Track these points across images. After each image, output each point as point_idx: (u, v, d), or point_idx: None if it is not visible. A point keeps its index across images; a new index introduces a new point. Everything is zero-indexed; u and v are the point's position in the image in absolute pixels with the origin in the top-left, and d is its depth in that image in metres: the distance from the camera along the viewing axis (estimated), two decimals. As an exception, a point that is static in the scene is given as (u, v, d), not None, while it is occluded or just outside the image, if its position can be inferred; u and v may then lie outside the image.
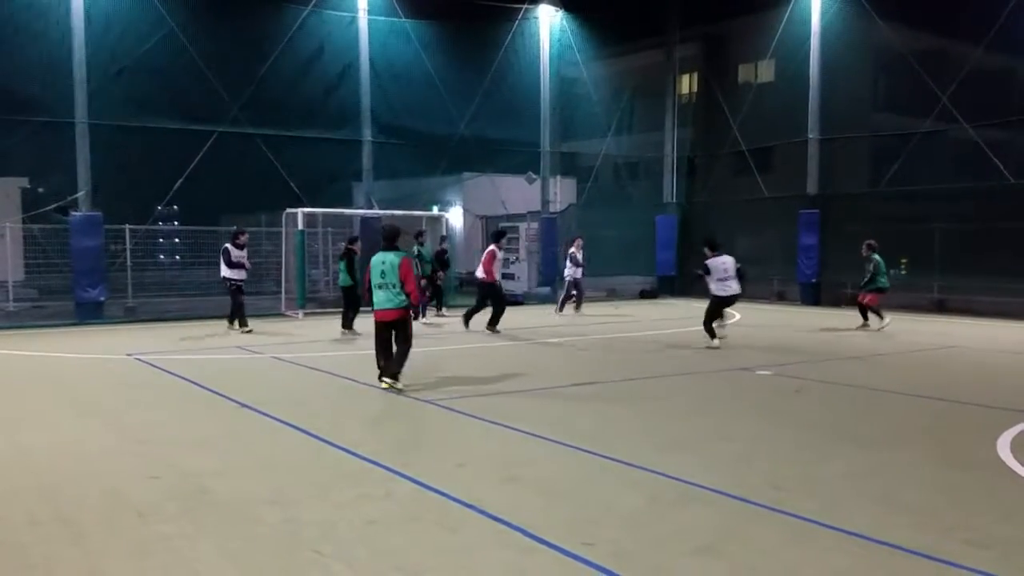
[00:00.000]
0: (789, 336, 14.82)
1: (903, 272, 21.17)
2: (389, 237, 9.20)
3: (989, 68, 20.36)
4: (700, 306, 13.88)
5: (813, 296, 21.62)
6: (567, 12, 23.40)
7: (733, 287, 12.88)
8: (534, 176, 23.48)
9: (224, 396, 8.86)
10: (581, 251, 19.00)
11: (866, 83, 23.92)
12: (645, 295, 24.53)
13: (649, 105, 26.28)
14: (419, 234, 17.49)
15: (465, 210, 25.02)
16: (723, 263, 12.94)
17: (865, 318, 15.68)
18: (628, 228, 25.05)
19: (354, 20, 20.39)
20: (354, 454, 6.45)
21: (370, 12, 20.57)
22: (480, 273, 15.04)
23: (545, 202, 23.62)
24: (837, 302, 20.88)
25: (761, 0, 23.03)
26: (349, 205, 21.48)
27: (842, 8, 21.30)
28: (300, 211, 18.35)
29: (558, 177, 24.62)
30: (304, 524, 4.90)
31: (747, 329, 15.87)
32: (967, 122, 19.21)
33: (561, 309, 19.05)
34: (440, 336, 14.63)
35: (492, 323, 14.76)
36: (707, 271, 13.02)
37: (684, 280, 23.97)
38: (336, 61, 20.27)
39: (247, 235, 15.51)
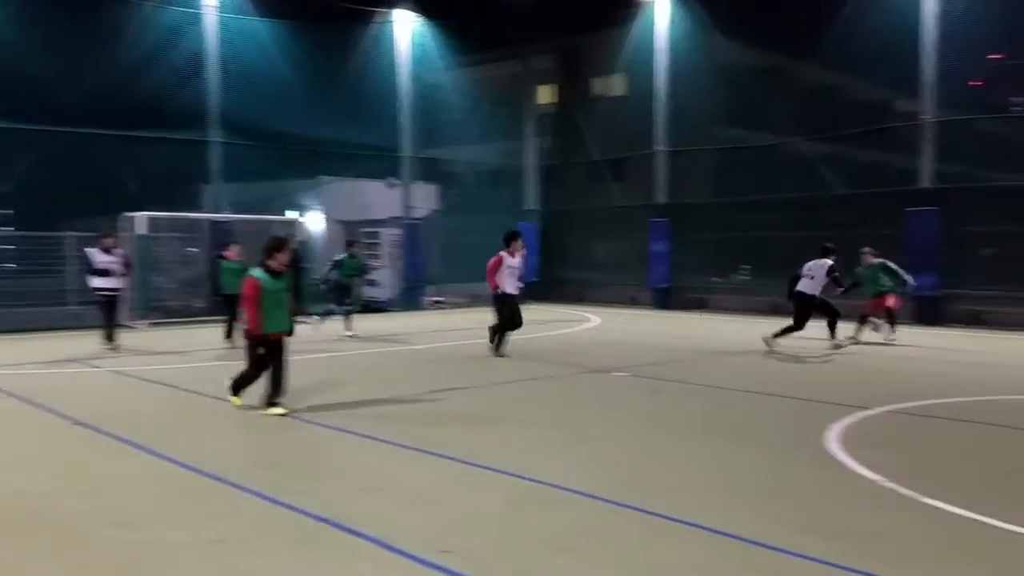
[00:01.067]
0: (643, 338, 15.37)
1: (745, 277, 22.51)
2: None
3: (819, 85, 21.99)
4: (566, 311, 14.15)
5: (664, 300, 22.56)
6: (426, 18, 23.39)
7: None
8: (395, 181, 23.31)
9: (57, 413, 8.25)
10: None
11: (710, 98, 25.25)
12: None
13: (509, 114, 26.69)
14: (351, 243, 16.42)
15: (324, 215, 24.48)
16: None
17: (890, 322, 14.52)
18: (491, 235, 25.11)
19: (201, 16, 19.56)
20: (198, 471, 6.14)
21: (220, 9, 19.80)
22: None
23: (407, 208, 23.47)
24: (686, 306, 21.92)
25: (611, 16, 23.86)
26: (197, 209, 20.53)
27: (686, 26, 22.40)
28: (142, 215, 17.37)
29: (420, 183, 24.54)
30: (145, 546, 4.62)
31: (604, 333, 16.35)
32: (799, 136, 20.63)
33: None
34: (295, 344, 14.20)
35: (495, 340, 12.65)
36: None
37: (545, 286, 24.49)
38: (182, 58, 19.37)
39: (114, 238, 13.95)
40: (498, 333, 12.59)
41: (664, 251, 22.52)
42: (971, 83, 20.44)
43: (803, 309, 13.01)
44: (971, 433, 7.62)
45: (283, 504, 5.31)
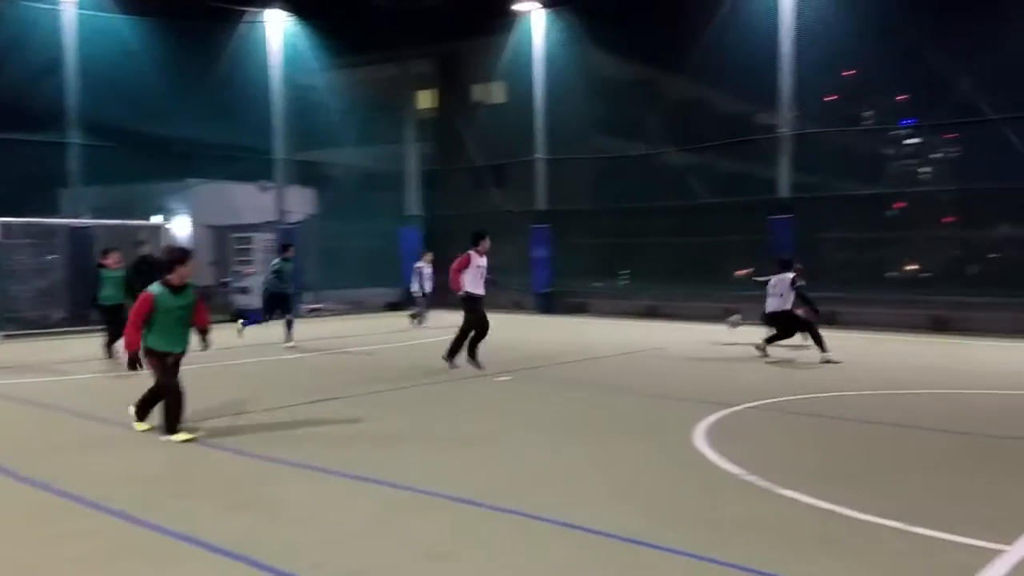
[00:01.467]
0: (526, 342, 15.55)
1: (624, 282, 23.20)
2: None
3: (688, 98, 22.92)
4: (451, 316, 14.14)
5: (547, 305, 22.91)
6: (299, 19, 22.88)
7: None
8: (268, 184, 22.67)
9: None
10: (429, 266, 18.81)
11: (586, 107, 25.87)
12: (392, 307, 24.56)
13: (389, 118, 26.45)
14: (285, 247, 15.54)
15: (192, 219, 23.51)
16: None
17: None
18: (371, 240, 24.94)
19: (59, 12, 18.47)
20: (52, 489, 5.79)
21: (79, 5, 18.76)
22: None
23: (282, 212, 22.87)
24: (568, 310, 22.35)
25: (489, 24, 24.09)
26: (55, 214, 19.33)
27: (561, 36, 22.88)
28: (-5, 221, 16.24)
29: (295, 186, 23.97)
30: (-14, 576, 4.32)
31: (487, 337, 16.42)
32: (670, 146, 21.45)
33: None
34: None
35: (456, 350, 11.74)
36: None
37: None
38: (37, 56, 18.20)
39: None
40: (465, 341, 11.67)
41: (545, 256, 22.88)
42: (825, 98, 21.77)
43: (785, 326, 12.85)
44: (823, 427, 8.10)
45: (144, 523, 5.07)
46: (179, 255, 7.54)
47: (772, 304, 12.89)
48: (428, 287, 19.15)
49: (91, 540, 4.83)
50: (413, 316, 19.28)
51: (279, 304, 14.88)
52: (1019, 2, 15.95)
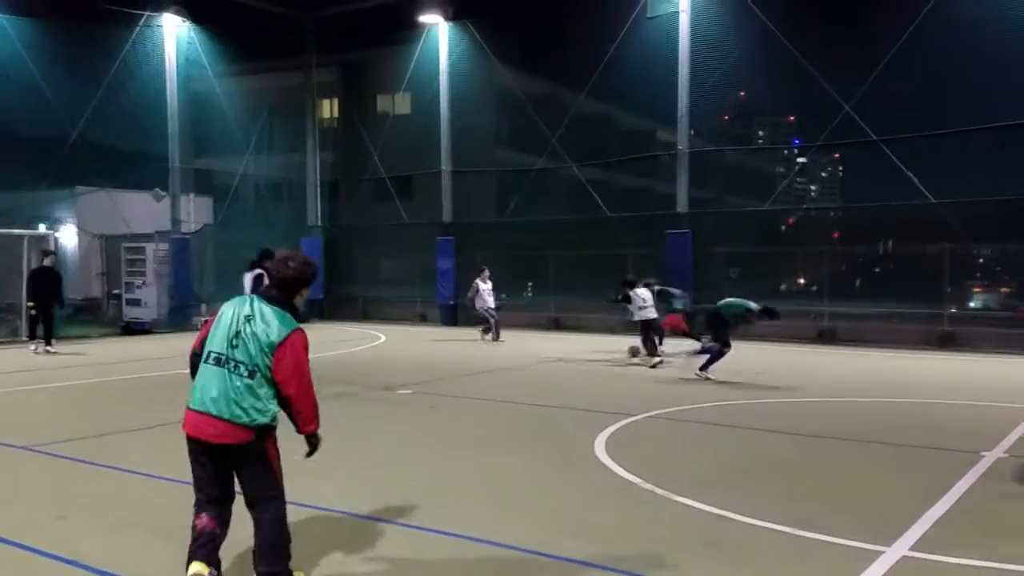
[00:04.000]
0: (429, 355, 15.48)
1: (528, 294, 23.38)
2: (294, 283, 4.29)
3: (589, 114, 23.38)
4: (353, 328, 13.91)
5: (451, 317, 22.85)
6: (195, 24, 22.18)
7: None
8: (162, 193, 21.84)
9: None
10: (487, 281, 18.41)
11: (491, 121, 26.06)
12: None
13: (290, 126, 25.97)
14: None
15: (79, 229, 22.43)
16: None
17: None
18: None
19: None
20: (-83, 517, 5.41)
21: (-42, 4, 17.75)
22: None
23: (176, 221, 22.05)
24: (473, 322, 22.32)
25: (394, 35, 23.99)
26: (-73, 221, 18.13)
27: (466, 50, 22.98)
28: None
29: (191, 195, 23.18)
30: None
31: (390, 350, 16.27)
32: (573, 161, 21.84)
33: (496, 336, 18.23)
34: (52, 369, 12.92)
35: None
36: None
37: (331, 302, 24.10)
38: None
39: None
40: None
41: (450, 268, 22.83)
42: (722, 117, 22.60)
43: (652, 331, 13.93)
44: (719, 435, 8.37)
45: (22, 546, 4.80)
46: (311, 271, 4.35)
47: (651, 313, 13.96)
48: (491, 302, 18.64)
49: (-41, 568, 4.54)
50: (485, 331, 18.67)
51: None
52: (896, 32, 16.97)
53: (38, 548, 4.78)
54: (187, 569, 4.03)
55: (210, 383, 4.04)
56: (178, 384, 11.74)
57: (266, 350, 4.03)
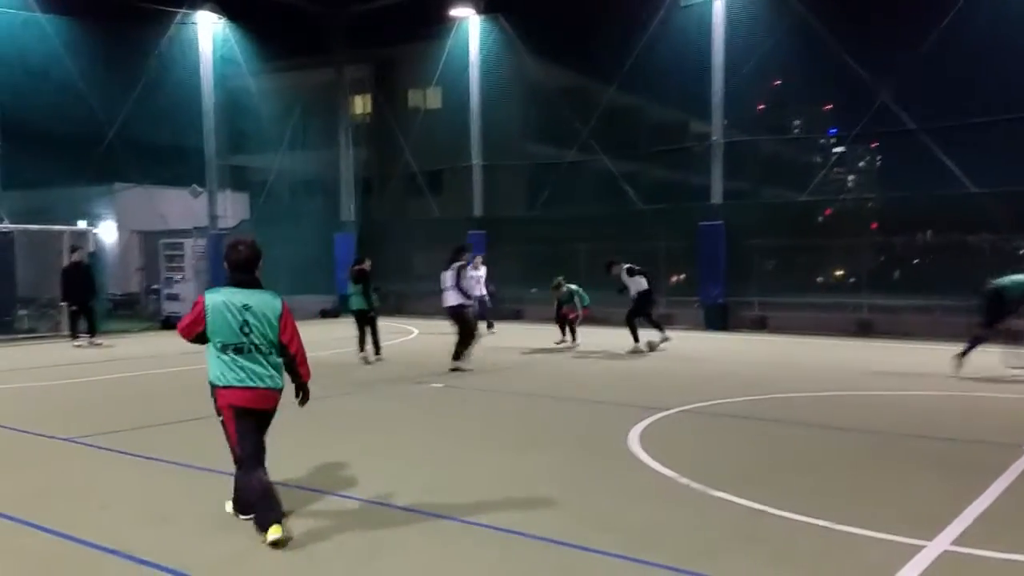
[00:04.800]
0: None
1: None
2: (246, 262, 5.14)
3: (621, 106, 23.24)
4: (386, 323, 14.00)
5: (481, 311, 22.84)
6: (230, 21, 22.45)
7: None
8: (199, 189, 22.15)
9: None
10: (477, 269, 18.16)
11: (521, 114, 26.02)
12: (326, 314, 24.23)
13: (323, 123, 26.18)
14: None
15: (118, 225, 22.84)
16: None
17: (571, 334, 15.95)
18: (305, 246, 24.60)
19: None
20: (-31, 507, 5.55)
21: (0, 4, 18.09)
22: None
23: (213, 217, 22.36)
24: (505, 316, 22.34)
25: (425, 29, 24.05)
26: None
27: (497, 44, 22.97)
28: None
29: (227, 191, 23.47)
30: None
31: (422, 344, 16.36)
32: (604, 154, 21.72)
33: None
34: (92, 363, 13.18)
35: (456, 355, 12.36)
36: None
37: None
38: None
39: None
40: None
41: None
42: (757, 107, 22.36)
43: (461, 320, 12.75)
44: (754, 429, 8.29)
45: (70, 537, 4.90)
46: (258, 247, 5.25)
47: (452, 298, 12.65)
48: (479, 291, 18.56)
49: (16, 559, 4.65)
50: (488, 324, 18.70)
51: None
52: (937, 16, 16.63)
53: (83, 538, 4.87)
54: (266, 530, 4.72)
55: (249, 366, 4.98)
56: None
57: (275, 324, 5.09)
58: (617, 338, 14.47)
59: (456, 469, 6.64)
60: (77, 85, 18.98)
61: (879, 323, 17.52)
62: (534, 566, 4.50)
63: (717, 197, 19.50)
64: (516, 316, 22.78)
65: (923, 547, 4.67)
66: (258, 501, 4.87)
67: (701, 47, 19.12)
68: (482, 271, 18.33)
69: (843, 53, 17.60)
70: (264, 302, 5.08)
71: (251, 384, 4.97)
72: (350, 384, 11.28)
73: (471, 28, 23.19)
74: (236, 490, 5.14)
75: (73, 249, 17.08)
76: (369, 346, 13.46)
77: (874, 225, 20.22)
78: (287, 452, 7.23)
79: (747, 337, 17.64)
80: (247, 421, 5.01)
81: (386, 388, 10.90)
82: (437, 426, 8.45)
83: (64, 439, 7.64)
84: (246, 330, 4.97)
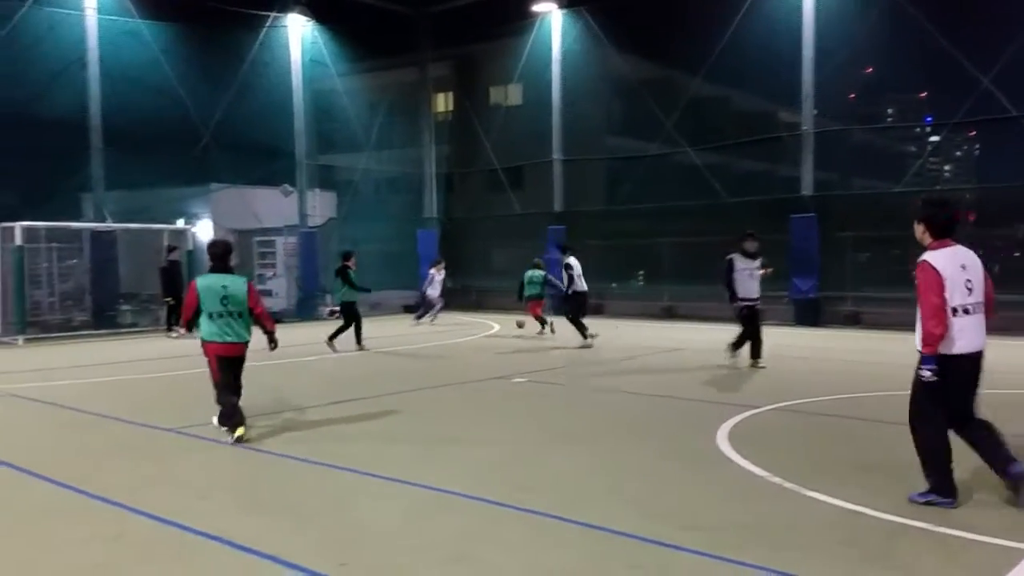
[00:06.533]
0: (543, 344, 15.55)
1: (640, 283, 23.11)
2: (222, 255, 7.72)
3: (706, 97, 22.81)
4: (467, 318, 14.16)
5: (562, 307, 22.80)
6: (318, 23, 23.04)
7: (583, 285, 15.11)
8: (290, 188, 22.81)
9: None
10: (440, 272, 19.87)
11: (603, 108, 25.83)
12: (409, 309, 24.62)
13: (407, 121, 26.58)
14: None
15: (214, 224, 23.71)
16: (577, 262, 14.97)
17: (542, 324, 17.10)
18: (390, 243, 25.08)
19: (81, 17, 18.71)
20: (79, 491, 5.86)
21: (100, 11, 19.01)
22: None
23: (303, 215, 23.00)
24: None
25: (507, 26, 24.14)
26: (78, 218, 19.57)
27: (579, 37, 22.86)
28: (18, 225, 16.43)
29: (316, 190, 24.09)
30: (20, 571, 4.38)
31: (505, 339, 16.44)
32: (688, 146, 21.36)
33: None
34: (190, 356, 13.72)
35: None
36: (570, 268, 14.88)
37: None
38: (61, 61, 18.48)
39: None
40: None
41: (561, 258, 22.77)
42: (849, 96, 21.65)
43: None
44: (848, 428, 8.04)
45: (171, 523, 5.13)
46: (230, 247, 8.15)
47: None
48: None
49: (118, 543, 4.88)
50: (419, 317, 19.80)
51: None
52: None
53: (187, 525, 5.08)
54: (234, 430, 7.28)
55: (227, 326, 7.46)
56: (309, 370, 12.29)
57: (243, 296, 7.53)
58: (715, 333, 14.20)
59: (542, 464, 6.66)
60: (174, 89, 19.79)
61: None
62: (621, 564, 4.48)
63: (808, 188, 18.96)
64: (597, 312, 22.66)
65: (1032, 553, 4.45)
66: (230, 414, 7.35)
67: (791, 34, 18.59)
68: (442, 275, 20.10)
69: (940, 37, 16.85)
70: (236, 282, 7.58)
71: (228, 340, 7.47)
72: (430, 379, 11.43)
73: (553, 22, 23.16)
74: (219, 410, 7.51)
75: (170, 249, 18.09)
76: (342, 337, 14.27)
77: (972, 216, 19.35)
78: (388, 444, 7.39)
79: (840, 333, 17.11)
80: (224, 363, 7.53)
81: (471, 382, 11.01)
82: (523, 421, 8.48)
83: (167, 429, 7.98)
84: (225, 302, 7.42)
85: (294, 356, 13.93)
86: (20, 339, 16.21)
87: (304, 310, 21.76)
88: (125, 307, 19.46)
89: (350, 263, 14.71)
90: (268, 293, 21.14)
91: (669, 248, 21.22)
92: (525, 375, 11.39)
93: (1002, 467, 5.20)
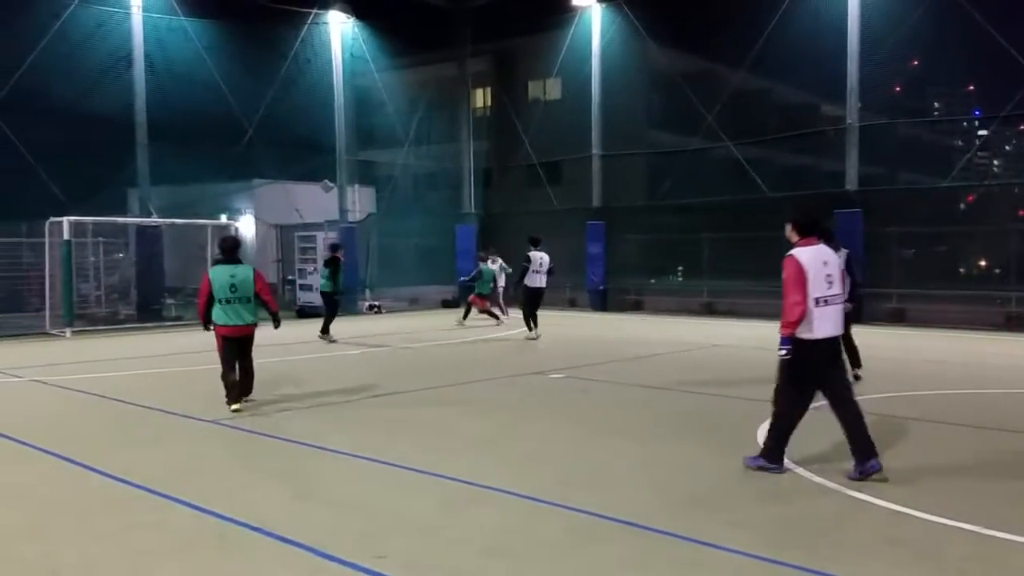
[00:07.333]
0: (580, 340, 15.49)
1: (679, 279, 22.91)
2: (231, 249, 8.70)
3: (748, 91, 22.49)
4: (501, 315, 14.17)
5: (601, 302, 22.76)
6: (358, 20, 23.21)
7: (540, 281, 15.12)
8: (330, 184, 23.02)
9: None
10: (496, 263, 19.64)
11: (642, 102, 25.62)
12: (447, 304, 24.71)
13: (445, 117, 26.65)
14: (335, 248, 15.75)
15: (257, 219, 24.03)
16: (539, 257, 15.10)
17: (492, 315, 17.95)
18: (428, 237, 25.16)
19: (127, 16, 19.06)
20: (123, 480, 5.97)
21: (145, 9, 19.34)
22: None
23: (343, 211, 23.21)
24: (623, 307, 22.17)
25: (546, 20, 24.06)
26: (123, 213, 19.96)
27: (619, 31, 22.70)
28: (66, 220, 16.80)
29: (356, 185, 24.28)
30: (66, 559, 4.47)
31: (543, 335, 16.39)
32: (729, 140, 21.10)
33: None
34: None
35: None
36: (528, 261, 14.88)
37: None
38: (108, 58, 18.85)
39: None
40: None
41: (600, 253, 22.72)
42: (894, 89, 21.19)
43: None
44: (894, 427, 7.86)
45: (212, 513, 5.19)
46: (238, 242, 9.13)
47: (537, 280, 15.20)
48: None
49: (160, 531, 4.96)
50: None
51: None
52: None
53: (229, 516, 5.14)
54: (231, 404, 8.34)
55: (236, 311, 8.46)
56: (351, 364, 12.39)
57: (251, 283, 8.53)
58: (750, 330, 14.03)
59: (583, 461, 6.61)
60: (218, 86, 20.08)
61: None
62: (661, 562, 4.43)
63: (852, 183, 18.61)
64: (636, 307, 22.55)
65: (1090, 559, 4.31)
66: (230, 388, 8.38)
67: (835, 26, 18.23)
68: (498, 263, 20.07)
69: (989, 28, 16.40)
70: (244, 271, 8.56)
71: (236, 323, 8.47)
72: (466, 375, 11.44)
73: (593, 17, 23.03)
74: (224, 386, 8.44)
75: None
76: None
77: (1022, 212, 18.87)
78: (428, 438, 7.41)
79: (885, 331, 16.76)
80: (231, 344, 8.51)
81: (508, 378, 11.00)
82: (563, 417, 8.44)
83: (209, 421, 8.10)
84: (234, 289, 8.41)
85: (330, 351, 14.04)
86: (68, 332, 16.58)
87: (345, 303, 21.90)
88: (170, 301, 19.81)
89: (339, 255, 15.12)
90: (309, 288, 21.35)
91: (709, 244, 20.98)
92: (563, 371, 11.35)
93: (862, 456, 5.80)
